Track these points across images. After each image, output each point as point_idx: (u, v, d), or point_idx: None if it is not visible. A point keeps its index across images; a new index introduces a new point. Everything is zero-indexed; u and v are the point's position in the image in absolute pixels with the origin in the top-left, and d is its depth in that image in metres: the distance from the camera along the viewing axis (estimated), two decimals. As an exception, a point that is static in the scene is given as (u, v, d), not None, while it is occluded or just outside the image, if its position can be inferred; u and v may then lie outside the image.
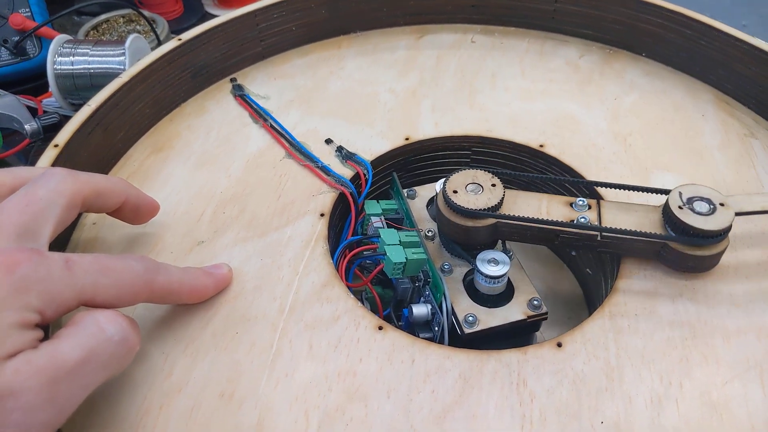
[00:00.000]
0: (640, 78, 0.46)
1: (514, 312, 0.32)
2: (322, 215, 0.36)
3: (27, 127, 0.53)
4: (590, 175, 0.39)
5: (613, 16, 0.48)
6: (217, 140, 0.42)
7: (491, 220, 0.32)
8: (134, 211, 0.33)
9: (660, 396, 0.28)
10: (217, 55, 0.46)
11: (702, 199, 0.31)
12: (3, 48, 0.62)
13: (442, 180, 0.33)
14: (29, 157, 0.55)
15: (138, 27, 0.70)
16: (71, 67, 0.55)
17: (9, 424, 0.21)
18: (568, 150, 0.40)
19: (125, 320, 0.25)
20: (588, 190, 0.38)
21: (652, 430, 0.27)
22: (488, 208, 0.32)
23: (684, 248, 0.31)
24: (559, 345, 0.30)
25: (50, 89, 0.55)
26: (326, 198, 0.37)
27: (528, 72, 0.47)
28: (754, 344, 0.30)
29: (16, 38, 0.62)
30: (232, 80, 0.47)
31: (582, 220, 0.33)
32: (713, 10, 0.46)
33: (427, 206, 0.38)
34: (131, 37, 0.56)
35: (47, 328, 0.25)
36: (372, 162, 0.40)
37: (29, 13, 0.64)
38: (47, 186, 0.27)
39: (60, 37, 0.56)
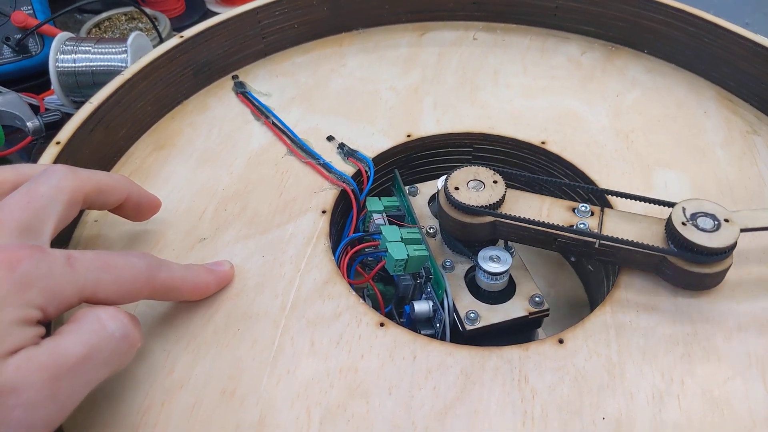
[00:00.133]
0: (642, 75, 0.46)
1: (515, 309, 0.32)
2: (323, 212, 0.36)
3: (29, 124, 0.53)
4: (592, 172, 0.38)
5: (614, 12, 0.48)
6: (219, 138, 0.42)
7: (489, 218, 0.32)
8: (136, 209, 0.33)
9: (661, 392, 0.28)
10: (219, 53, 0.46)
11: (706, 214, 0.30)
12: (5, 46, 0.62)
13: (444, 177, 0.33)
14: (31, 155, 0.55)
15: (140, 25, 0.70)
16: (73, 64, 0.55)
17: (11, 420, 0.21)
18: (570, 147, 0.40)
19: (126, 317, 0.25)
20: (598, 197, 0.38)
21: (654, 427, 0.27)
22: (489, 205, 0.32)
23: (684, 264, 0.30)
24: (561, 341, 0.30)
25: (52, 87, 0.55)
26: (328, 195, 0.37)
27: (530, 69, 0.47)
28: (755, 341, 0.30)
29: (18, 36, 0.62)
30: (234, 78, 0.47)
31: (581, 226, 0.32)
32: (717, 8, 0.46)
33: (429, 203, 0.38)
34: (133, 34, 0.56)
35: (49, 325, 0.25)
36: (374, 159, 0.40)
37: (31, 11, 0.64)
38: (49, 183, 0.27)
39: (62, 35, 0.56)
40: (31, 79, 0.62)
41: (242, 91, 0.45)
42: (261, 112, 0.43)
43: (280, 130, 0.42)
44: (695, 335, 0.30)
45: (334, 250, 0.35)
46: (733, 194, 0.37)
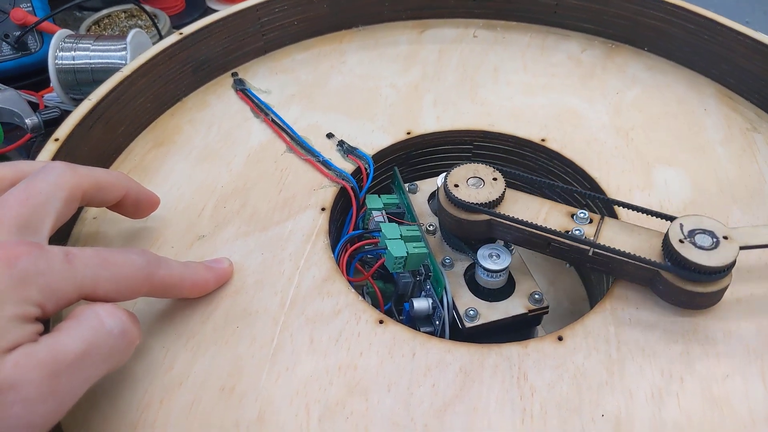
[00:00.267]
0: (643, 72, 0.46)
1: (515, 306, 0.32)
2: (323, 210, 0.36)
3: (28, 121, 0.53)
4: (592, 170, 0.38)
5: (615, 10, 0.48)
6: (219, 135, 0.42)
7: (485, 216, 0.32)
8: (135, 206, 0.33)
9: (661, 390, 0.28)
10: (219, 50, 0.46)
11: (705, 231, 0.29)
12: (4, 43, 0.62)
13: (444, 174, 0.33)
14: (30, 152, 0.55)
15: (140, 22, 0.70)
16: (72, 62, 0.55)
17: (9, 417, 0.21)
18: (570, 144, 0.40)
19: (125, 314, 0.25)
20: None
21: (653, 425, 0.27)
22: (485, 203, 0.31)
23: (677, 281, 0.29)
24: (560, 339, 0.30)
25: (51, 84, 0.55)
26: (327, 192, 0.37)
27: (530, 66, 0.47)
28: (755, 338, 0.30)
29: (18, 33, 0.62)
30: (234, 75, 0.47)
31: (576, 232, 0.31)
32: (717, 6, 0.46)
33: (429, 201, 0.38)
34: (133, 32, 0.56)
35: (47, 321, 0.25)
36: (373, 156, 0.39)
37: (30, 8, 0.63)
38: (47, 179, 0.27)
39: (61, 32, 0.56)
40: (31, 76, 0.62)
41: (242, 88, 0.45)
42: (260, 109, 0.43)
43: (280, 127, 0.42)
44: (695, 333, 0.30)
45: (333, 247, 0.35)
46: (733, 192, 0.37)
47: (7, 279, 0.23)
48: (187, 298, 0.31)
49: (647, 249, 0.30)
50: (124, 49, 0.55)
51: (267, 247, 0.34)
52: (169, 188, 0.38)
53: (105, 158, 0.40)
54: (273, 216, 0.36)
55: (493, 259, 0.32)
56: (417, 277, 0.35)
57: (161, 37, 0.65)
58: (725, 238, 0.29)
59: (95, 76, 0.55)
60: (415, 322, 0.34)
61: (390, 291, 0.37)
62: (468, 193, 0.32)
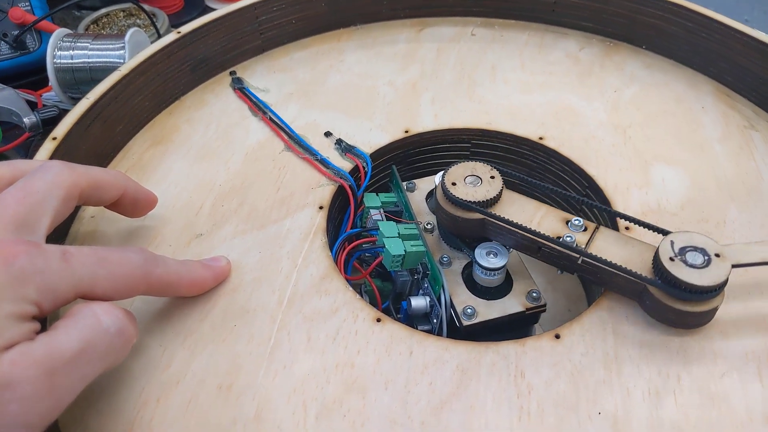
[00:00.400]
0: (641, 70, 0.46)
1: (512, 304, 0.32)
2: (321, 208, 0.36)
3: (26, 120, 0.53)
4: (590, 168, 0.38)
5: (613, 8, 0.48)
6: (217, 133, 0.42)
7: (479, 216, 0.32)
8: (132, 204, 0.33)
9: (658, 388, 0.28)
10: (217, 48, 0.46)
11: (696, 249, 0.28)
12: (3, 42, 0.61)
13: (441, 173, 0.33)
14: (28, 151, 0.55)
15: (138, 21, 0.70)
16: (71, 60, 0.55)
17: (6, 415, 0.21)
18: (568, 142, 0.40)
19: (122, 312, 0.25)
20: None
21: (650, 423, 0.27)
22: (480, 201, 0.31)
23: (664, 298, 0.28)
24: (558, 337, 0.30)
25: (50, 83, 0.55)
26: (325, 191, 0.37)
27: (528, 65, 0.47)
28: (752, 337, 0.30)
29: (16, 32, 0.62)
30: (232, 73, 0.47)
31: (567, 239, 0.31)
32: (716, 4, 0.46)
33: (426, 199, 0.38)
34: (131, 31, 0.56)
35: (44, 320, 0.25)
36: (371, 155, 0.40)
37: (29, 7, 0.63)
38: (44, 178, 0.27)
39: (60, 31, 0.56)
40: (29, 75, 0.62)
41: (240, 87, 0.45)
42: (258, 107, 0.43)
43: (278, 125, 0.42)
44: (692, 331, 0.30)
45: (331, 245, 0.35)
46: (731, 189, 0.37)
47: (5, 277, 0.23)
48: (184, 296, 0.31)
49: (638, 262, 0.30)
50: (123, 48, 0.55)
51: (265, 245, 0.34)
52: (167, 187, 0.38)
53: (103, 157, 0.40)
54: (271, 214, 0.36)
55: (490, 258, 0.32)
56: (415, 275, 0.35)
57: (160, 36, 0.65)
58: (717, 255, 0.28)
59: (94, 75, 0.55)
60: (412, 320, 0.34)
61: (388, 289, 0.37)
62: (465, 191, 0.32)
